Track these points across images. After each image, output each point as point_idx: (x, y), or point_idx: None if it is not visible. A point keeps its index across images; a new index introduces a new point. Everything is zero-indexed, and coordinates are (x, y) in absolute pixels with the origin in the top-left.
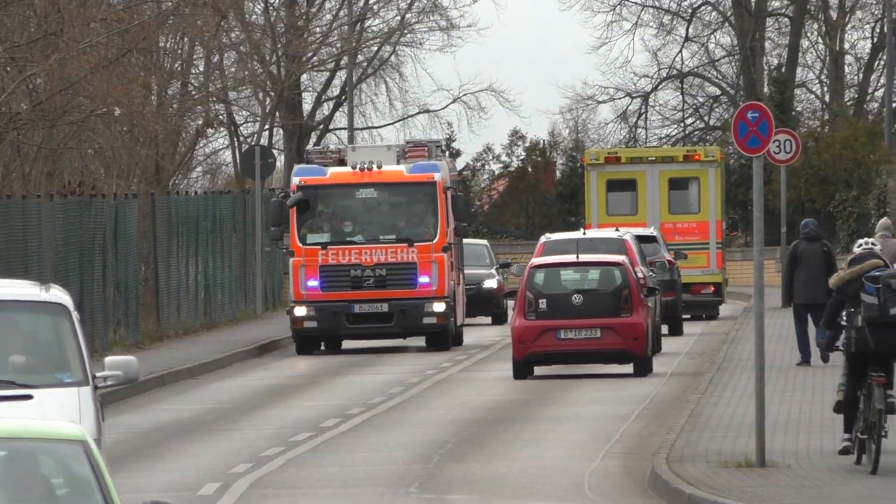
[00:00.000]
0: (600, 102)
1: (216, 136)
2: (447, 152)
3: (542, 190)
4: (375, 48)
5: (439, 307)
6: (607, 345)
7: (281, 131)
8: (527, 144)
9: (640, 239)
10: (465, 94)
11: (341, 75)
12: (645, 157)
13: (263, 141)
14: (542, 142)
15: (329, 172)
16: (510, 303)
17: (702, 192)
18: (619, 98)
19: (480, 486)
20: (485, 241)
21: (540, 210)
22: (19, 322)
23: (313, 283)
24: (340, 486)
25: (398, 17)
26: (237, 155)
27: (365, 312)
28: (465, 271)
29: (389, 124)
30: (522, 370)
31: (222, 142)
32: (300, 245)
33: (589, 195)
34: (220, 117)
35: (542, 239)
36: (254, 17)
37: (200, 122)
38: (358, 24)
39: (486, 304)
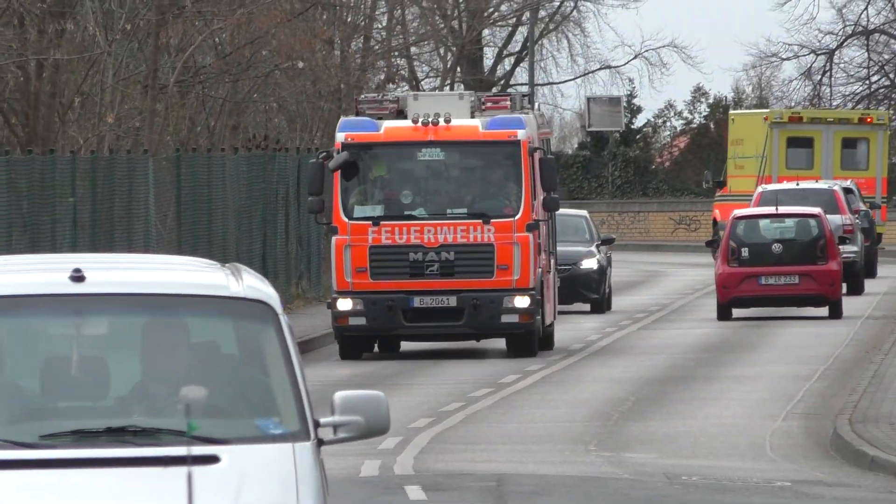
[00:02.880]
0: (784, 59)
1: (398, 90)
2: (536, 105)
3: (724, 147)
4: (557, 3)
5: (522, 302)
6: (805, 290)
7: (462, 87)
8: (709, 101)
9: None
10: (647, 50)
11: (523, 30)
12: (824, 118)
13: None
14: (724, 98)
15: (383, 127)
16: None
17: (871, 152)
18: (804, 55)
19: (659, 445)
20: (584, 213)
21: (721, 167)
22: (195, 331)
23: (362, 268)
24: (519, 442)
25: None
26: None
27: (427, 307)
28: (560, 248)
29: (570, 80)
30: (725, 312)
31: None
32: (345, 220)
33: (770, 150)
34: (402, 72)
35: (759, 189)
36: None
37: (382, 77)
38: None
39: (583, 289)
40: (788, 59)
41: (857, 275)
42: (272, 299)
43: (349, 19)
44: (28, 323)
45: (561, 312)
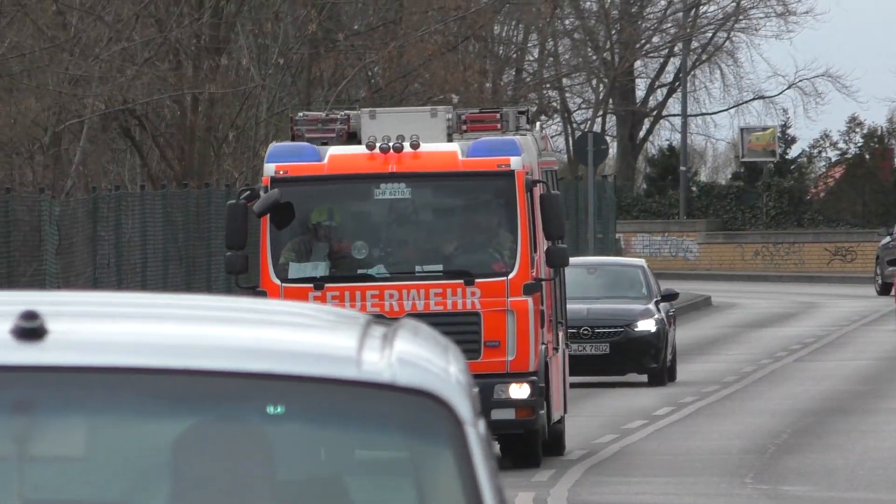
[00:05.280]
0: None
1: (550, 123)
2: (541, 122)
3: (879, 177)
4: (710, 34)
5: (520, 392)
6: None
7: (614, 118)
8: (864, 131)
9: None
10: (800, 80)
11: (675, 62)
12: None
13: (596, 127)
14: (880, 128)
15: (328, 155)
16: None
17: None
18: None
19: (816, 478)
20: (641, 262)
21: (877, 198)
22: (283, 459)
23: None
24: (674, 474)
25: (733, 3)
26: (570, 141)
27: None
28: (611, 305)
29: (724, 111)
30: None
31: (556, 128)
32: (277, 282)
33: None
34: (554, 104)
35: None
36: (588, 3)
37: (534, 109)
38: (692, 10)
39: (639, 355)
40: None
41: None
42: (448, 388)
43: (501, 52)
44: None
45: (610, 384)
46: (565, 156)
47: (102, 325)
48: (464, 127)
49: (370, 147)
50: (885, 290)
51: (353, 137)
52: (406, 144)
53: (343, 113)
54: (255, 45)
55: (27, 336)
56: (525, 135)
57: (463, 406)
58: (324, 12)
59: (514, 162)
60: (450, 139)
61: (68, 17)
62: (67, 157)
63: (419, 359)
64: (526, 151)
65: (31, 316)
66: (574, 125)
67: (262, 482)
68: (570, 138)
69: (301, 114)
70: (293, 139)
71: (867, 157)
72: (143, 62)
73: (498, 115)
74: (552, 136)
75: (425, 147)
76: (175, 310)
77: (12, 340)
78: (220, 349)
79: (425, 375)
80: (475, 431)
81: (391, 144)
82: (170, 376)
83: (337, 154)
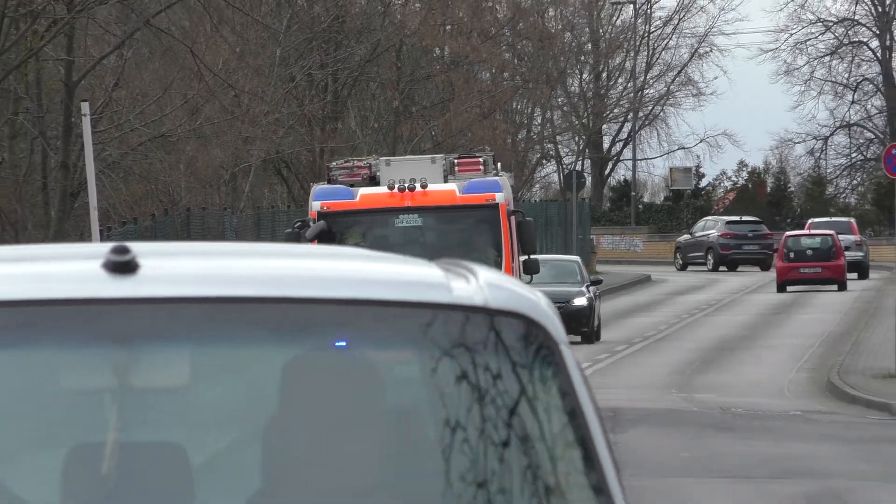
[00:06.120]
0: (796, 143)
1: (548, 165)
2: (500, 167)
3: (758, 199)
4: (650, 108)
5: None
6: (825, 276)
7: (589, 161)
8: (748, 170)
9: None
10: (708, 137)
11: (628, 125)
12: None
13: (578, 167)
14: (757, 168)
15: (359, 195)
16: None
17: None
18: (808, 140)
19: (716, 390)
20: (576, 258)
21: (756, 212)
22: (390, 383)
23: None
24: (625, 388)
25: (665, 88)
26: (561, 176)
27: None
28: (554, 288)
29: (658, 157)
30: (782, 288)
31: (551, 168)
32: None
33: None
34: (550, 153)
35: (808, 226)
36: (572, 88)
37: (538, 156)
38: (639, 92)
39: (575, 323)
40: (799, 142)
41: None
42: (540, 310)
43: (517, 119)
44: (26, 362)
45: None
46: (558, 186)
47: (192, 261)
48: (455, 169)
49: (391, 188)
50: (682, 268)
51: (373, 180)
52: (417, 185)
53: (365, 161)
54: (359, 115)
55: (120, 269)
56: (502, 176)
57: (556, 327)
58: (403, 94)
59: (499, 197)
60: (445, 179)
61: (241, 99)
62: (241, 187)
63: (507, 283)
64: (505, 189)
65: (122, 250)
66: (564, 166)
67: (369, 410)
68: (561, 175)
69: (334, 163)
70: (329, 182)
71: (749, 186)
72: (288, 127)
73: (481, 161)
74: (549, 174)
75: (431, 187)
76: (261, 248)
77: (105, 274)
78: (315, 279)
79: (517, 298)
80: (570, 351)
81: (406, 185)
82: (271, 305)
83: (366, 193)
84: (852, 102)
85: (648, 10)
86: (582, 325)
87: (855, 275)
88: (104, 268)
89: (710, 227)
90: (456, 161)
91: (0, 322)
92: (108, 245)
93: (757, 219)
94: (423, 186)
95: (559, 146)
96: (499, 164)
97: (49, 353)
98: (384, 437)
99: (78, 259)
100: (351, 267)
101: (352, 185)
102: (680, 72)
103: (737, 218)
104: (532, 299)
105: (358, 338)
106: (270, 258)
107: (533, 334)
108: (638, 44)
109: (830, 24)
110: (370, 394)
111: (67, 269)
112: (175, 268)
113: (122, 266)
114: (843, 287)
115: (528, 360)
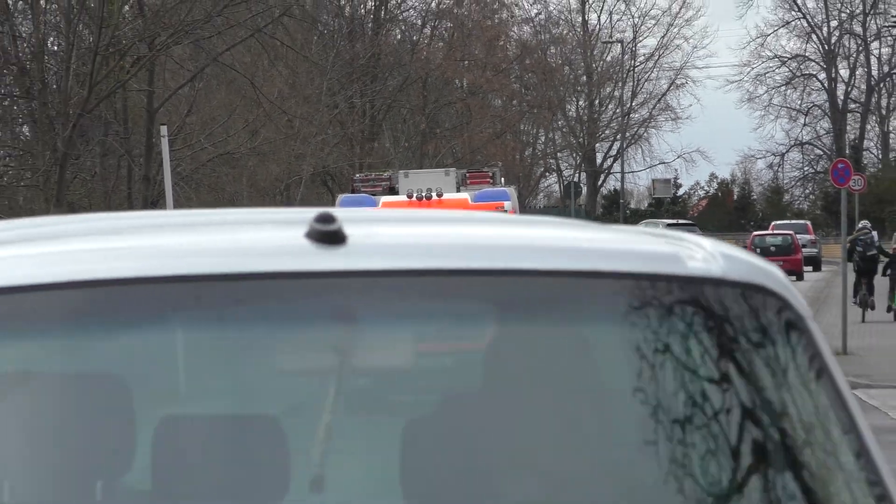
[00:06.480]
0: (758, 158)
1: (550, 176)
2: (504, 181)
3: (726, 206)
4: (636, 129)
5: None
6: (786, 268)
7: (585, 174)
8: (718, 181)
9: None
10: (684, 153)
11: (617, 144)
12: None
13: (576, 179)
14: (726, 179)
15: (381, 203)
16: None
17: None
18: (767, 156)
19: None
20: None
21: (725, 217)
22: (609, 361)
23: None
24: None
25: (648, 113)
26: (561, 187)
27: None
28: None
29: (643, 170)
30: None
31: (553, 179)
32: None
33: None
34: (552, 167)
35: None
36: (571, 112)
37: (542, 169)
38: (626, 116)
39: None
40: (760, 158)
41: None
42: (780, 282)
43: (524, 138)
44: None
45: None
46: (558, 194)
47: (399, 228)
48: (467, 182)
49: (409, 196)
50: None
51: (392, 190)
52: (434, 194)
53: (385, 174)
54: (392, 135)
55: (328, 240)
56: (509, 187)
57: (798, 300)
58: (429, 118)
59: (507, 205)
60: (458, 190)
61: (294, 123)
62: (294, 197)
63: (741, 254)
64: (513, 198)
65: (327, 219)
66: (563, 178)
67: (593, 388)
68: (561, 185)
69: (357, 175)
70: (352, 192)
71: (719, 194)
72: (333, 146)
73: (489, 175)
74: (551, 184)
75: (446, 196)
76: (462, 216)
77: (311, 245)
78: (537, 249)
79: (755, 270)
80: (817, 326)
81: (424, 194)
82: (498, 278)
83: (387, 201)
84: (804, 125)
85: (634, 48)
86: None
87: (810, 268)
88: (308, 237)
89: None
90: (467, 174)
91: (204, 298)
92: (300, 211)
93: (691, 222)
94: (439, 195)
95: (559, 161)
96: (503, 178)
97: (260, 332)
98: (624, 417)
99: (276, 227)
100: (573, 236)
101: (373, 195)
102: (660, 99)
103: (674, 221)
104: (771, 270)
105: (589, 312)
106: (480, 226)
107: (777, 308)
108: (625, 76)
109: (785, 59)
110: (593, 373)
111: (269, 239)
112: (385, 237)
113: (330, 236)
114: (800, 278)
115: (777, 337)
